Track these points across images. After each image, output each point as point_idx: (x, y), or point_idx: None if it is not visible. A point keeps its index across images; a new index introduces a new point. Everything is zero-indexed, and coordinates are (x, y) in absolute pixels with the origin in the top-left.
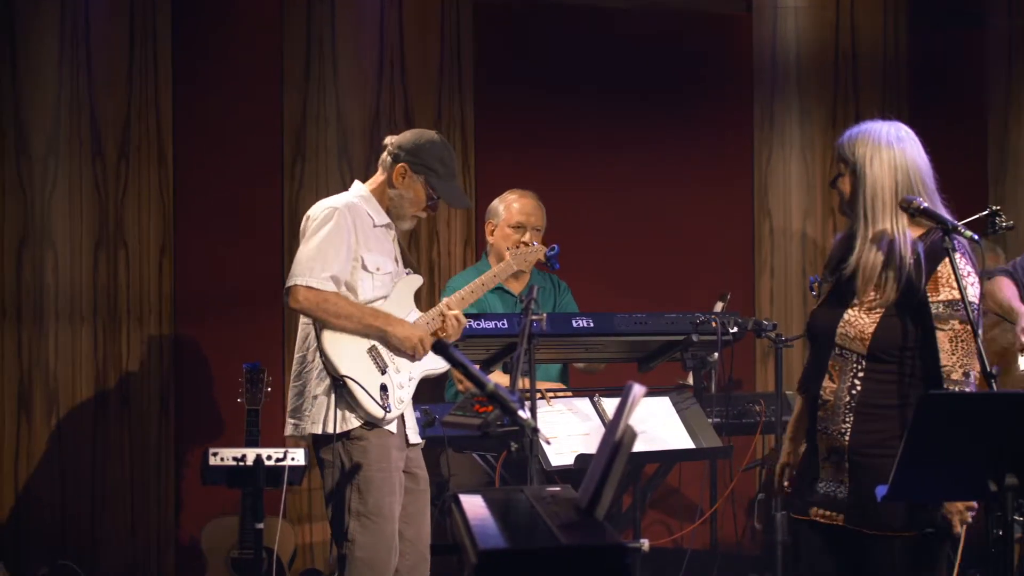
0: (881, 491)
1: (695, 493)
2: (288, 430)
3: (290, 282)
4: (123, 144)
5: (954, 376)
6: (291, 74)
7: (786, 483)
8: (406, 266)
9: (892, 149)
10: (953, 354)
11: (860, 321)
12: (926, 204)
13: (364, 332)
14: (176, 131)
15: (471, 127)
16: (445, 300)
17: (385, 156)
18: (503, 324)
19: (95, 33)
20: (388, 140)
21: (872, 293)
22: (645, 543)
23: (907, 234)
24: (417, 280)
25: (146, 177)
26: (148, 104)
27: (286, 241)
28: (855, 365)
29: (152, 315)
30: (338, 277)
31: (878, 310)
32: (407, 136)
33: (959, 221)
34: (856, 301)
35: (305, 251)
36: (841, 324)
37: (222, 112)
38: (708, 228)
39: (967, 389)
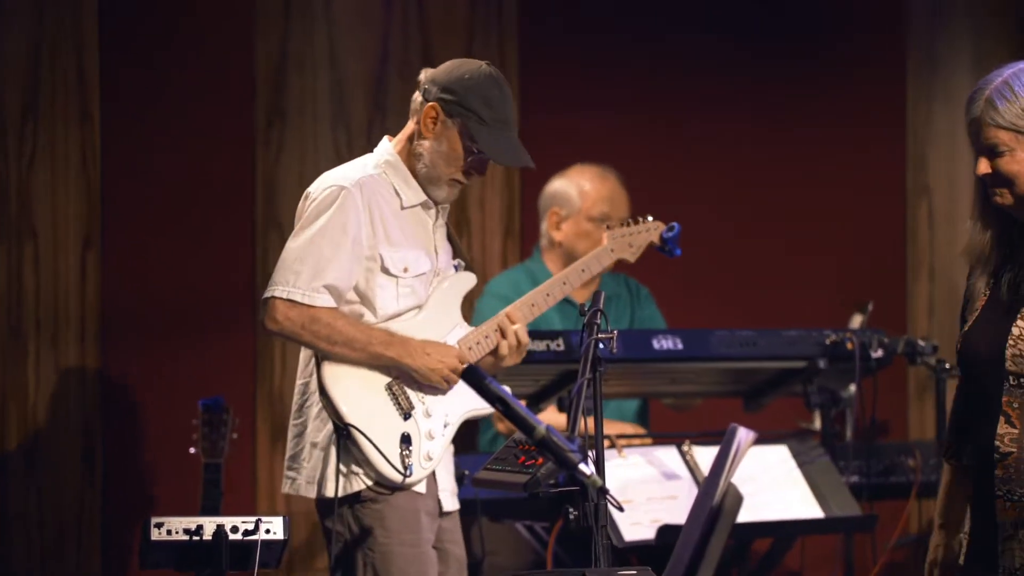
0: None
1: None
2: (284, 486)
3: (268, 292)
4: (29, 97)
5: None
6: (266, 3)
7: None
8: (455, 257)
9: None
10: None
11: None
12: None
13: (373, 364)
14: (104, 79)
15: (514, 78)
16: (508, 308)
17: (415, 96)
18: (559, 345)
19: None
20: (422, 75)
21: None
22: None
23: None
24: (467, 280)
25: (62, 143)
26: (65, 40)
27: (259, 230)
28: None
29: (71, 333)
30: (337, 287)
31: None
32: (443, 67)
33: None
34: None
35: (292, 250)
36: (1012, 343)
37: (168, 54)
38: (841, 213)
39: None
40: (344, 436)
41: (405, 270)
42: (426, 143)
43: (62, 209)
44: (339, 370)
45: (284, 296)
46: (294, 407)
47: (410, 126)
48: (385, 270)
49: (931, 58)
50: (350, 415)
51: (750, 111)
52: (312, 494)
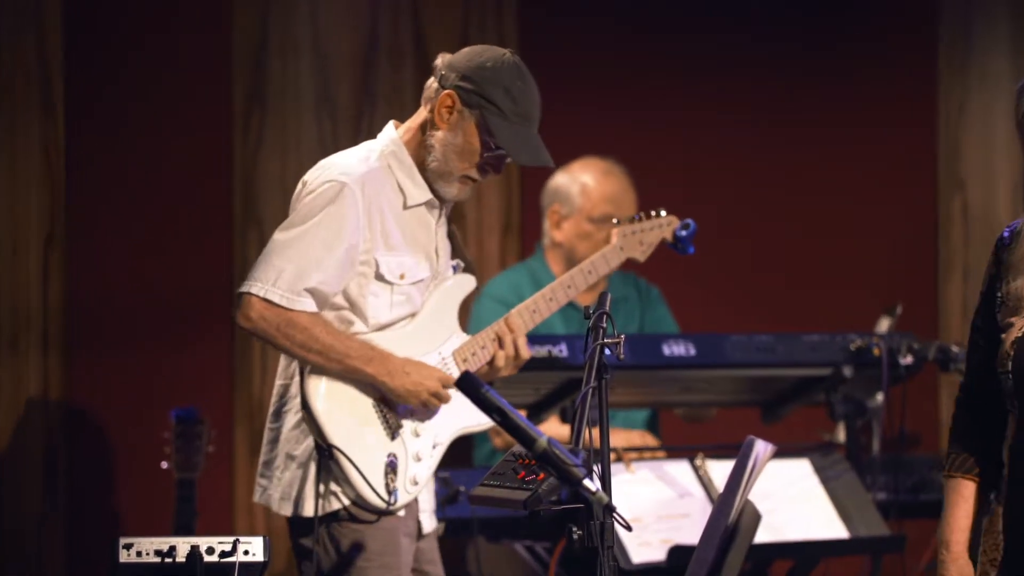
0: None
1: None
2: (255, 494)
3: (245, 287)
4: None
5: None
6: None
7: None
8: (454, 257)
9: None
10: None
11: None
12: None
13: (349, 377)
14: (69, 64)
15: None
16: (507, 315)
17: (430, 82)
18: (562, 350)
19: None
20: (439, 60)
21: None
22: None
23: None
24: (466, 283)
25: (22, 133)
26: (24, 23)
27: (237, 226)
28: None
29: (32, 339)
30: (321, 291)
31: None
32: (462, 53)
33: None
34: None
35: (277, 243)
36: None
37: (139, 36)
38: (868, 208)
39: None
40: (326, 456)
41: (402, 277)
42: (439, 134)
43: (22, 205)
44: (324, 384)
45: (261, 295)
46: (271, 409)
47: (422, 114)
48: (380, 276)
49: (964, 42)
50: (334, 436)
51: (773, 100)
52: (287, 511)
